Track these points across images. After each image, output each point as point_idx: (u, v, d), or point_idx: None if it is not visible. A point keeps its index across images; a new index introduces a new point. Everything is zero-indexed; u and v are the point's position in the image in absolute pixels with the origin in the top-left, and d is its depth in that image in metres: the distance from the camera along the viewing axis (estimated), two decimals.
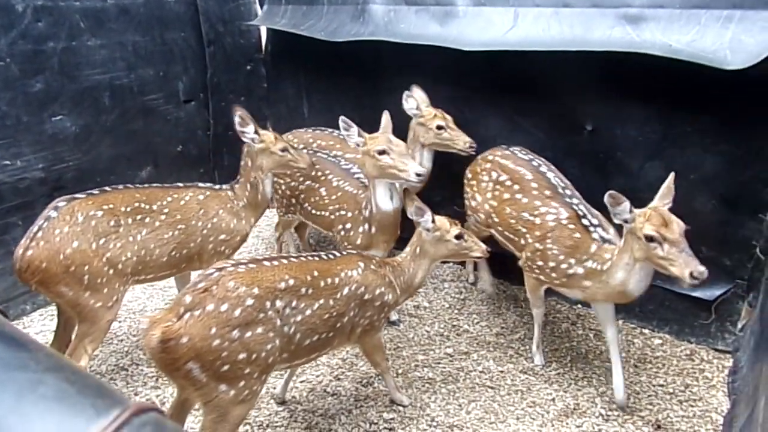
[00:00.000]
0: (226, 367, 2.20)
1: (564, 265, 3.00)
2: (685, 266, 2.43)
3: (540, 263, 3.14)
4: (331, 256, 2.78)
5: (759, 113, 3.12)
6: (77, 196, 2.97)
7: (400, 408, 3.17)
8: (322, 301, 2.53)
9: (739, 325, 3.45)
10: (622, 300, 2.94)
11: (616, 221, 2.67)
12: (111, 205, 2.96)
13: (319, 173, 3.69)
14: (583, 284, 2.96)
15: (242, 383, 2.27)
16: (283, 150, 3.30)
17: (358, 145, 3.18)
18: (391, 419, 3.09)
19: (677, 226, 2.49)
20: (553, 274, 3.08)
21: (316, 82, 5.06)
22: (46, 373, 0.62)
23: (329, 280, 2.59)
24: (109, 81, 4.20)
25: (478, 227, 3.65)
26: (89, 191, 3.04)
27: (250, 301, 2.26)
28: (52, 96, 3.89)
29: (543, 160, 3.41)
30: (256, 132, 3.25)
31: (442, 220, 2.88)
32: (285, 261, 2.55)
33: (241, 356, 2.22)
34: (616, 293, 2.85)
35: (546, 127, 3.85)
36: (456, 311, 4.06)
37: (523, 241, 3.26)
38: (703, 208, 3.40)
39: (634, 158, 3.56)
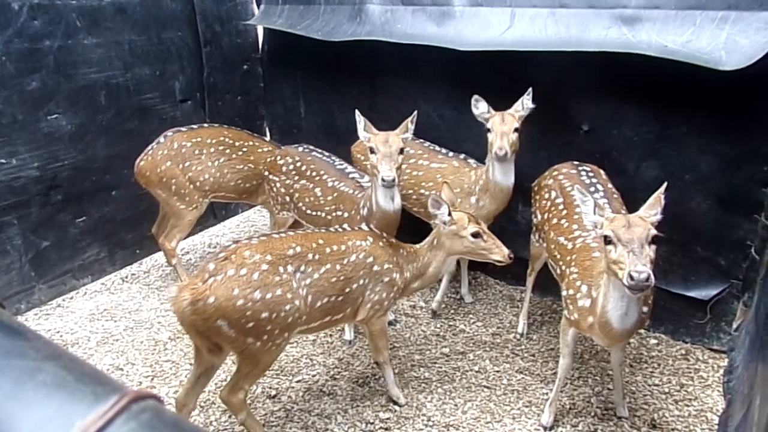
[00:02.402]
0: (251, 324, 2.47)
1: (578, 294, 2.66)
2: (627, 266, 2.13)
3: (563, 292, 2.83)
4: (340, 229, 3.00)
5: (754, 114, 3.13)
6: (181, 129, 4.11)
7: (397, 408, 3.17)
8: (328, 266, 2.74)
9: (735, 325, 3.46)
10: (611, 338, 2.55)
11: (587, 224, 2.47)
12: (199, 138, 4.07)
13: (314, 173, 3.68)
14: (588, 322, 2.60)
15: (266, 337, 2.54)
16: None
17: (365, 141, 3.21)
18: (387, 419, 3.09)
19: (642, 230, 2.19)
20: (571, 306, 2.72)
21: (313, 81, 5.06)
22: (45, 360, 0.62)
23: (335, 247, 2.79)
24: (105, 80, 4.19)
25: (537, 246, 3.47)
26: (190, 126, 4.19)
27: (265, 266, 2.52)
28: (48, 95, 3.88)
29: (607, 185, 3.10)
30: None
31: (460, 216, 2.91)
32: (291, 233, 2.84)
33: (264, 315, 2.48)
34: (603, 326, 2.48)
35: (542, 127, 3.85)
36: (452, 311, 4.07)
37: (558, 270, 2.98)
38: (698, 209, 3.41)
39: (630, 158, 3.57)
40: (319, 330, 3.02)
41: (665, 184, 2.44)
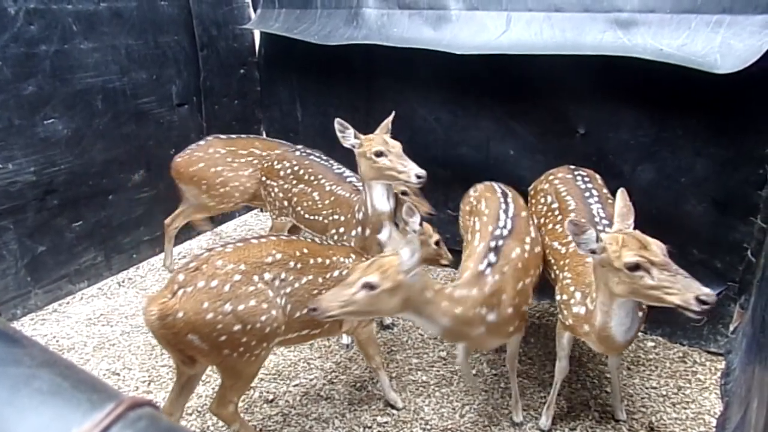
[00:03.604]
0: (223, 337, 2.36)
1: (572, 300, 2.65)
2: (687, 291, 2.02)
3: (557, 297, 2.83)
4: (325, 243, 2.92)
5: (749, 116, 3.15)
6: (220, 136, 4.36)
7: (394, 412, 3.16)
8: (311, 277, 2.64)
9: (731, 328, 3.47)
10: (611, 349, 2.65)
11: (581, 252, 2.33)
12: (233, 148, 4.26)
13: (312, 177, 3.68)
14: (584, 330, 2.60)
15: (242, 349, 2.43)
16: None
17: (353, 147, 3.16)
18: (385, 423, 3.09)
19: (657, 246, 2.13)
20: (565, 311, 2.72)
21: (310, 85, 5.06)
22: (40, 367, 0.62)
23: (319, 260, 2.71)
24: (102, 84, 4.18)
25: None
26: (229, 135, 4.41)
27: (237, 277, 2.40)
28: (44, 99, 3.87)
29: (602, 190, 3.10)
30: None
31: (427, 225, 3.06)
32: (273, 238, 2.72)
33: (236, 327, 2.37)
34: (603, 340, 2.49)
35: (538, 130, 3.87)
36: None
37: (552, 275, 2.98)
38: (694, 211, 3.42)
39: (626, 161, 3.58)
40: (298, 342, 2.93)
41: (622, 190, 2.41)
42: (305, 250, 2.68)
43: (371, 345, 3.10)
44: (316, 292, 2.64)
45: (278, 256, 2.56)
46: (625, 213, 2.34)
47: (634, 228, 2.32)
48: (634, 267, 2.11)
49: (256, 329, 2.42)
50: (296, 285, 2.59)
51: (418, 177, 2.94)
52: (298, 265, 2.61)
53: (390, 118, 3.31)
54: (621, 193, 2.40)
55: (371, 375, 3.44)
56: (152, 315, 2.33)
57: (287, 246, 2.64)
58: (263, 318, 2.44)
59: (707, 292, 2.00)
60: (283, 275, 2.54)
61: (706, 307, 2.00)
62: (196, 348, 2.38)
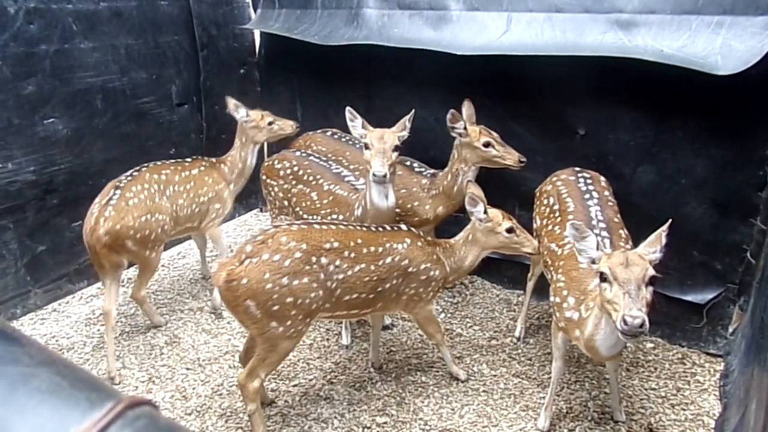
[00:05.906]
0: (276, 307, 2.61)
1: (564, 304, 2.66)
2: (622, 309, 2.07)
3: (551, 298, 2.85)
4: (380, 229, 3.03)
5: (749, 118, 3.15)
6: None
7: (393, 412, 3.16)
8: (363, 266, 2.83)
9: (731, 329, 3.47)
10: (596, 357, 2.67)
11: (581, 260, 2.38)
12: None
13: (311, 178, 3.68)
14: (575, 335, 2.61)
15: (289, 322, 2.67)
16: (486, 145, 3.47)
17: (361, 137, 3.19)
18: (384, 423, 3.08)
19: (639, 270, 2.14)
20: (558, 314, 2.74)
21: (310, 85, 5.06)
22: (39, 366, 0.61)
23: (372, 248, 2.87)
24: (102, 84, 4.19)
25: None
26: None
27: (298, 255, 2.65)
28: (44, 98, 3.87)
29: (603, 193, 3.09)
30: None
31: (495, 213, 3.01)
32: (333, 226, 2.90)
33: (289, 300, 2.62)
34: (589, 349, 2.54)
35: (538, 131, 3.86)
36: (449, 315, 4.06)
37: (549, 276, 2.99)
38: (694, 213, 3.42)
39: (626, 163, 3.58)
40: (345, 318, 3.29)
41: (669, 222, 2.36)
42: (359, 240, 2.86)
43: (430, 324, 3.25)
44: (367, 279, 2.84)
45: (335, 244, 2.76)
46: (653, 241, 2.32)
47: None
48: (603, 278, 2.20)
49: (305, 304, 2.67)
50: (349, 273, 2.79)
51: (374, 175, 2.99)
52: (352, 255, 2.80)
53: (409, 116, 3.26)
54: (666, 226, 2.34)
55: (370, 375, 3.44)
56: (221, 278, 2.59)
57: (344, 236, 2.83)
58: (312, 295, 2.68)
59: (633, 315, 2.04)
60: (337, 262, 2.75)
61: (625, 327, 2.05)
62: (250, 315, 2.61)
